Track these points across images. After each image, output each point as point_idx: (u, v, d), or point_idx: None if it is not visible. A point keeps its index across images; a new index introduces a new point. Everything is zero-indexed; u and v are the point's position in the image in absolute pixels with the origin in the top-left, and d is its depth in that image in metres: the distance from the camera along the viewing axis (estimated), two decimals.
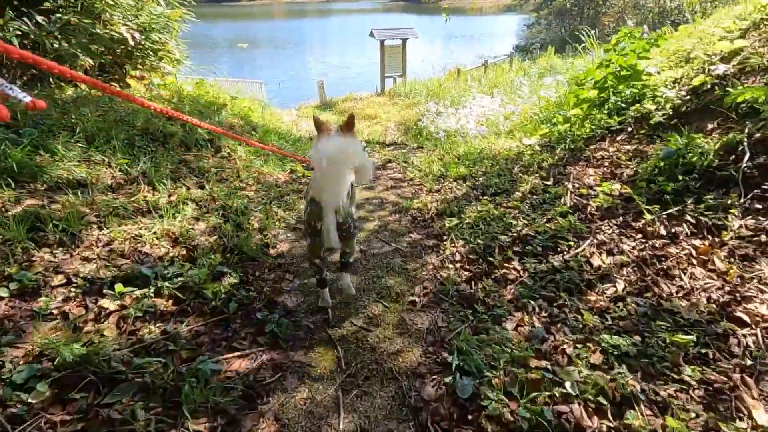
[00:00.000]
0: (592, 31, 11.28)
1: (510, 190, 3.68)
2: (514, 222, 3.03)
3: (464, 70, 17.64)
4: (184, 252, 2.64)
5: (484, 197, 3.65)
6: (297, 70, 25.52)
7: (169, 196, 3.28)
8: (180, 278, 2.33)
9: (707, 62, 4.17)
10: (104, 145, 3.51)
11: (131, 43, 6.38)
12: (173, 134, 4.15)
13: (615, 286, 2.20)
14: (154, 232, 2.74)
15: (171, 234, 2.79)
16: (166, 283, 2.26)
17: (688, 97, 3.85)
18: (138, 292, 2.19)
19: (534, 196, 3.43)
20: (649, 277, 2.21)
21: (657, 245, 2.41)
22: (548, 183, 3.64)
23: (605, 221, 2.80)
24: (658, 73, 4.50)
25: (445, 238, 3.06)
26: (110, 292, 2.13)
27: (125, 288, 2.14)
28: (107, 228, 2.66)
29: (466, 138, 7.29)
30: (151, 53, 7.04)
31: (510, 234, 2.91)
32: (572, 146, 4.16)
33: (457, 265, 2.65)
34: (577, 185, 3.38)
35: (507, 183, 3.80)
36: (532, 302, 2.17)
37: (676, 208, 2.62)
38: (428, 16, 53.15)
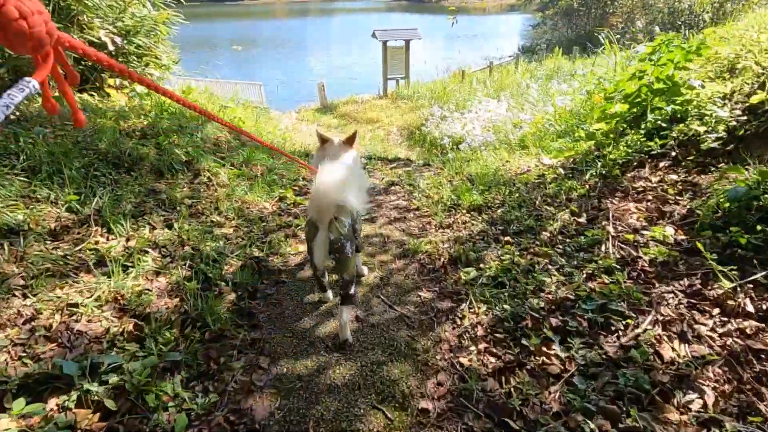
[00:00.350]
0: (604, 32, 10.67)
1: (535, 228, 3.07)
2: (547, 279, 2.43)
3: (469, 72, 17.00)
4: (132, 327, 2.04)
5: (505, 237, 3.05)
6: (297, 70, 24.93)
7: (127, 240, 2.68)
8: (116, 375, 1.74)
9: (763, 75, 3.55)
10: (54, 176, 2.92)
11: (110, 48, 5.79)
12: (143, 157, 3.56)
13: (702, 398, 1.60)
14: (97, 298, 2.14)
15: (119, 299, 2.20)
16: (95, 385, 1.67)
17: (745, 118, 3.24)
18: (54, 402, 1.61)
19: (567, 240, 2.82)
20: (748, 386, 1.61)
21: (747, 329, 1.80)
22: (581, 220, 3.03)
23: (666, 284, 2.19)
24: (702, 86, 3.89)
25: (462, 297, 2.46)
26: (10, 407, 1.54)
27: (28, 407, 1.54)
28: (34, 295, 2.07)
29: (475, 152, 6.67)
30: (135, 59, 6.46)
31: (543, 296, 2.31)
32: (604, 172, 3.55)
33: (481, 345, 2.05)
34: (619, 227, 2.77)
35: (531, 218, 3.19)
36: (588, 421, 1.57)
37: (762, 274, 2.02)
38: (430, 15, 52.39)
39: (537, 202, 3.43)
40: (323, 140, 2.53)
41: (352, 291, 2.12)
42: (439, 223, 3.45)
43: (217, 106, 6.36)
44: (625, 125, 4.27)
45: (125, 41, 6.10)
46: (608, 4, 20.85)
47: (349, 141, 2.51)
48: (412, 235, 3.33)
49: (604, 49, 11.39)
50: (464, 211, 3.54)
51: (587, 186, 3.46)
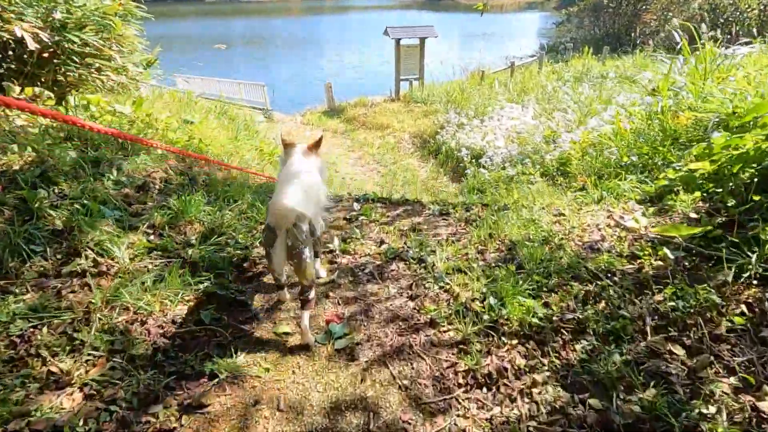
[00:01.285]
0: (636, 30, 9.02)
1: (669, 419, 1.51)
2: None
3: (489, 73, 15.29)
4: None
5: None
6: (306, 70, 23.39)
7: None
8: None
9: None
10: None
11: (32, 46, 4.33)
12: None
13: None
14: None
15: None
16: None
17: None
18: None
19: None
20: None
21: None
22: (758, 404, 1.47)
23: None
24: None
25: None
26: None
27: None
28: None
29: (511, 189, 5.09)
30: (76, 60, 5.00)
31: None
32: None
33: None
34: None
35: (646, 378, 1.64)
36: None
37: None
38: (446, 13, 50.34)
39: (648, 334, 1.85)
40: (286, 145, 2.36)
41: (311, 296, 2.04)
42: (470, 370, 1.87)
43: (177, 121, 4.86)
44: (754, 170, 2.65)
45: (56, 38, 4.64)
46: (641, 0, 18.82)
47: (314, 147, 2.40)
48: (421, 403, 1.77)
49: (640, 49, 9.66)
50: (513, 340, 1.97)
51: (742, 301, 1.88)
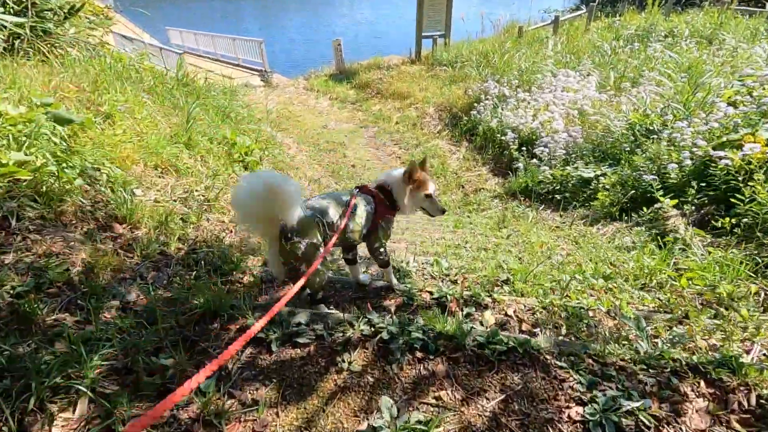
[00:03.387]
0: None
1: None
2: None
3: (527, 29, 12.43)
4: None
5: None
6: (315, 27, 20.32)
7: None
8: None
9: None
10: None
11: None
12: None
13: None
14: None
15: None
16: None
17: None
18: None
19: None
20: None
21: None
22: None
23: None
24: None
25: None
26: None
27: None
28: None
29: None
30: None
31: None
32: None
33: None
34: None
35: None
36: None
37: None
38: None
39: None
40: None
41: (318, 296, 1.95)
42: None
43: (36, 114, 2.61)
44: None
45: None
46: None
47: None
48: None
49: (709, 2, 7.07)
50: None
51: None
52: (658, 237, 3.15)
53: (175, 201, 2.64)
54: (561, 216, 4.79)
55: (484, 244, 3.64)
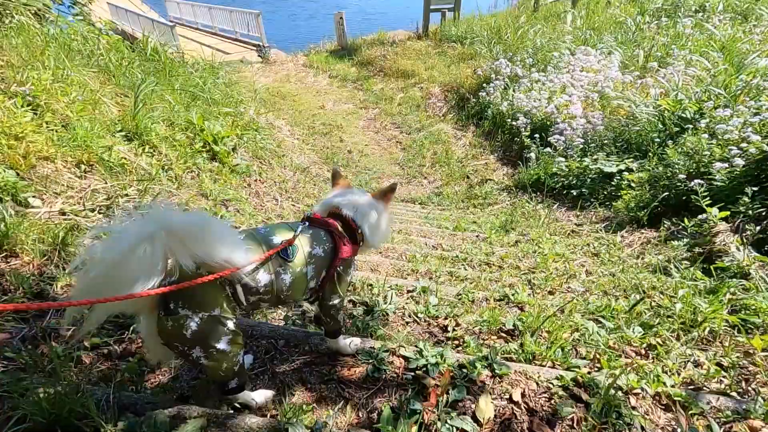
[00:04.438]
0: None
1: None
2: None
3: (544, 3, 11.42)
4: None
5: None
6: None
7: None
8: None
9: None
10: None
11: None
12: None
13: None
14: None
15: None
16: None
17: None
18: None
19: None
20: None
21: None
22: None
23: None
24: None
25: None
26: None
27: None
28: None
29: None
30: None
31: None
32: None
33: None
34: None
35: None
36: None
37: None
38: None
39: None
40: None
41: (231, 387, 1.25)
42: None
43: None
44: None
45: None
46: None
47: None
48: None
49: None
50: None
51: None
52: (703, 259, 2.50)
53: (92, 211, 2.05)
54: (577, 216, 4.13)
55: (488, 256, 3.01)
